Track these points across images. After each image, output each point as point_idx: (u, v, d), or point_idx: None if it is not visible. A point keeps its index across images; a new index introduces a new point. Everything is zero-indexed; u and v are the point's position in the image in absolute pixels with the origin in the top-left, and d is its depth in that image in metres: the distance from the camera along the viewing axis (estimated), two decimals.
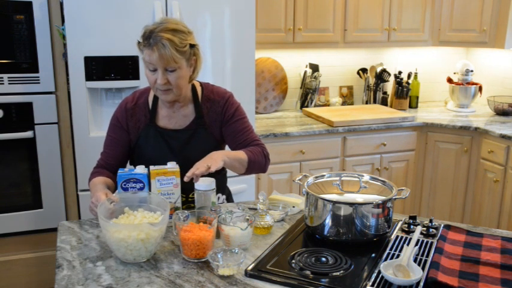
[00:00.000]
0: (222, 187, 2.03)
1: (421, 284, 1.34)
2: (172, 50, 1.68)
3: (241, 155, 1.82)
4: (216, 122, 1.91)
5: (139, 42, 1.74)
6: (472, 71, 3.83)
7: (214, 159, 1.70)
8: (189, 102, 1.90)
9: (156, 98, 1.90)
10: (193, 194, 1.82)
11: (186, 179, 1.63)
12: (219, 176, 1.89)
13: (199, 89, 1.93)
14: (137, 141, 1.90)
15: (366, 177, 1.79)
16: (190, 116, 1.90)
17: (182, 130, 1.89)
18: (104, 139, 1.96)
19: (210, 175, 1.70)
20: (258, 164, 1.88)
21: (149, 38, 1.69)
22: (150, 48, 1.69)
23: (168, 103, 1.86)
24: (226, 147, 2.01)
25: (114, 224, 1.50)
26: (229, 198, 2.10)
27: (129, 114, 1.90)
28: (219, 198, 1.98)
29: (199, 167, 1.65)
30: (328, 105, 3.92)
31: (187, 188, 1.80)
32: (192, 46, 1.76)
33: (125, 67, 2.66)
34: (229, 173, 2.08)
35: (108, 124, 1.95)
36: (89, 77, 2.62)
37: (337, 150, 3.34)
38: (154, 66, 1.72)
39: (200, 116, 1.89)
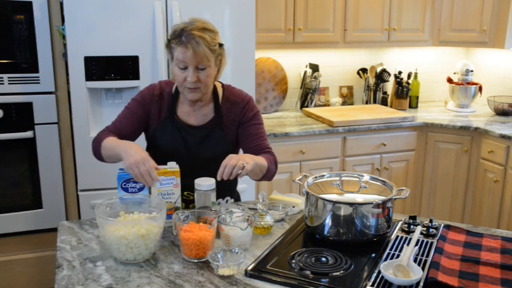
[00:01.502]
0: (231, 190, 2.04)
1: (421, 284, 1.34)
2: (205, 48, 1.70)
3: (264, 162, 1.80)
4: (234, 122, 1.92)
5: (169, 41, 1.75)
6: (472, 71, 3.82)
7: (249, 158, 1.70)
8: (209, 102, 1.91)
9: (178, 93, 1.90)
10: (187, 193, 1.83)
11: (224, 177, 1.61)
12: (232, 179, 1.88)
13: (220, 90, 1.94)
14: (155, 130, 1.91)
15: (366, 177, 1.79)
16: (209, 115, 1.91)
17: (199, 127, 1.90)
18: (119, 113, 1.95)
19: (205, 174, 1.72)
20: (271, 173, 1.87)
21: (181, 36, 1.71)
22: (184, 45, 1.70)
23: (189, 101, 1.87)
24: (240, 151, 2.01)
25: (114, 222, 1.50)
26: (238, 201, 2.10)
27: (154, 99, 1.90)
28: (227, 201, 1.97)
29: (234, 163, 1.62)
30: (328, 105, 3.92)
31: (187, 186, 1.80)
32: (221, 45, 1.79)
33: (125, 67, 2.66)
34: None
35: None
36: (89, 77, 2.62)
37: (337, 150, 3.34)
38: (186, 64, 1.73)
39: (219, 116, 1.90)
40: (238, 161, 1.63)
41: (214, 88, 1.91)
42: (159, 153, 1.87)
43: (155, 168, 1.63)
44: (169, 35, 1.77)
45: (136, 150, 1.66)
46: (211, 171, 1.71)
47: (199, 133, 1.90)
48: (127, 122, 1.90)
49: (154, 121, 1.91)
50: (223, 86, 1.96)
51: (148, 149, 1.97)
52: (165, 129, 1.90)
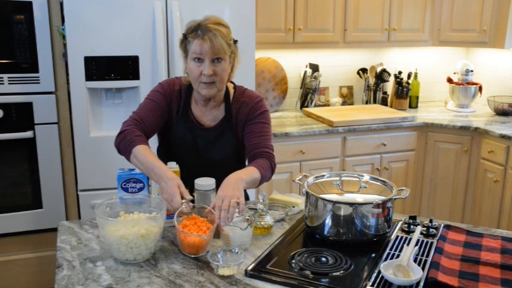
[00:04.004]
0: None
1: (421, 284, 1.34)
2: (222, 40, 1.72)
3: (255, 174, 1.74)
4: (242, 122, 1.91)
5: (184, 36, 1.76)
6: (472, 71, 3.82)
7: (238, 188, 1.60)
8: (221, 102, 1.91)
9: (191, 93, 1.89)
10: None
11: (222, 223, 1.52)
12: None
13: (231, 91, 1.94)
14: (169, 128, 1.91)
15: (366, 177, 1.79)
16: (219, 115, 1.91)
17: (210, 129, 1.90)
18: (139, 105, 1.90)
19: (215, 176, 1.71)
20: (266, 179, 1.82)
21: (197, 30, 1.73)
22: (201, 38, 1.71)
23: (203, 101, 1.86)
24: None
25: (114, 222, 1.50)
26: (246, 198, 2.09)
27: (175, 95, 1.90)
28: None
29: (228, 207, 1.53)
30: (328, 105, 3.92)
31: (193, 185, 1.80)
32: (235, 42, 1.81)
33: (125, 67, 2.66)
34: None
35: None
36: (89, 77, 2.62)
37: (337, 150, 3.34)
38: (202, 57, 1.73)
39: (229, 117, 1.89)
40: (229, 200, 1.54)
41: (226, 88, 1.91)
42: (170, 156, 1.88)
43: (184, 200, 1.59)
44: (184, 31, 1.77)
45: (167, 182, 1.60)
46: (220, 172, 1.70)
47: (210, 135, 1.89)
48: (152, 114, 1.85)
49: (172, 117, 1.91)
50: (235, 86, 1.96)
51: (161, 144, 1.98)
52: (178, 129, 1.90)
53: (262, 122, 1.90)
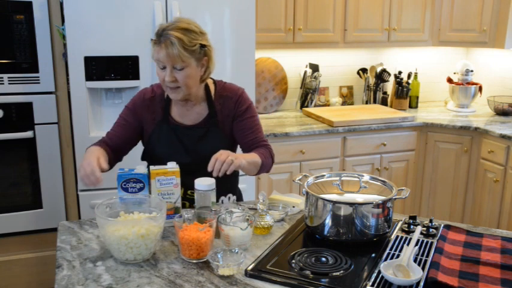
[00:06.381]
0: (233, 187, 2.04)
1: (421, 284, 1.34)
2: (180, 48, 1.70)
3: (256, 158, 1.83)
4: (229, 117, 1.92)
5: (152, 40, 1.77)
6: (472, 71, 3.82)
7: (237, 157, 1.71)
8: (202, 100, 1.91)
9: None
10: (191, 192, 1.82)
11: (214, 173, 1.64)
12: (232, 177, 1.89)
13: (212, 87, 1.94)
14: (151, 136, 1.91)
15: (366, 177, 1.79)
16: (203, 113, 1.91)
17: (195, 127, 1.90)
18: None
19: (207, 172, 1.71)
20: (267, 167, 1.89)
21: (160, 35, 1.72)
22: (159, 45, 1.72)
23: (179, 101, 1.87)
24: (238, 148, 2.02)
25: (114, 222, 1.50)
26: (240, 199, 2.10)
27: (145, 105, 1.91)
28: (229, 198, 1.96)
29: (223, 159, 1.65)
30: (328, 105, 3.92)
31: (190, 185, 1.80)
32: (203, 46, 1.77)
33: (125, 67, 2.66)
34: None
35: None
36: (89, 77, 2.62)
37: (337, 150, 3.34)
38: (163, 64, 1.74)
39: (213, 114, 1.90)
40: (227, 156, 1.65)
41: (206, 86, 1.91)
42: (156, 159, 1.87)
43: (98, 164, 1.67)
44: (153, 34, 1.78)
45: (86, 156, 1.72)
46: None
47: (195, 133, 1.90)
48: (119, 130, 1.93)
49: (149, 126, 1.91)
50: (214, 82, 1.96)
51: (144, 157, 1.98)
52: (161, 133, 1.90)
53: (250, 117, 1.94)
